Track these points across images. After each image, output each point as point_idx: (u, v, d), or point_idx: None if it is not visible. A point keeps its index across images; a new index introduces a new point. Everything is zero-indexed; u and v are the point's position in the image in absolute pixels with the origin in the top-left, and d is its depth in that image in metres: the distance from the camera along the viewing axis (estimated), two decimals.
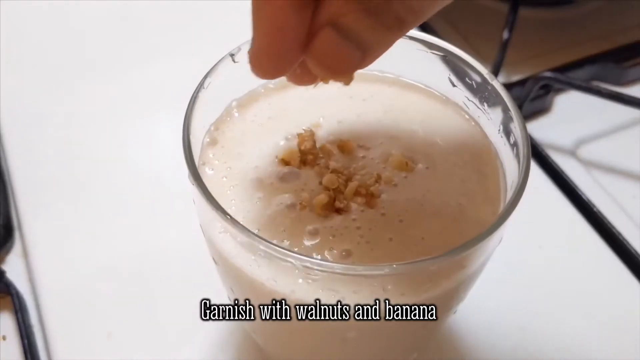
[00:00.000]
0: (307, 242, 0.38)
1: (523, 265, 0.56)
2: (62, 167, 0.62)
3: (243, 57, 0.43)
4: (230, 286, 0.41)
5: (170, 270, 0.55)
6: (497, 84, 0.41)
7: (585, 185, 0.63)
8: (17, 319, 0.53)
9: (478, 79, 0.43)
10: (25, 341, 0.52)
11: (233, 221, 0.34)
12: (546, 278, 0.55)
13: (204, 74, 0.41)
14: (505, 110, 0.41)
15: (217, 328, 0.52)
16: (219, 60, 0.42)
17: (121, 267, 0.55)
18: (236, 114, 0.45)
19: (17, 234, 0.58)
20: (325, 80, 0.36)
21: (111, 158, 0.63)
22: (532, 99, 0.68)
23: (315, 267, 0.33)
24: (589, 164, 0.66)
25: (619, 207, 0.61)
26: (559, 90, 0.71)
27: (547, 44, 0.77)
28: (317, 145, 0.42)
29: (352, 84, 0.45)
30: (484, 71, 0.42)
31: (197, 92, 0.40)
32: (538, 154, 0.65)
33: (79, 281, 0.54)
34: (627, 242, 0.57)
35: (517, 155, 0.39)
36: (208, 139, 0.43)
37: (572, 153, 0.67)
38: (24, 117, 0.67)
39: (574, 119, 0.70)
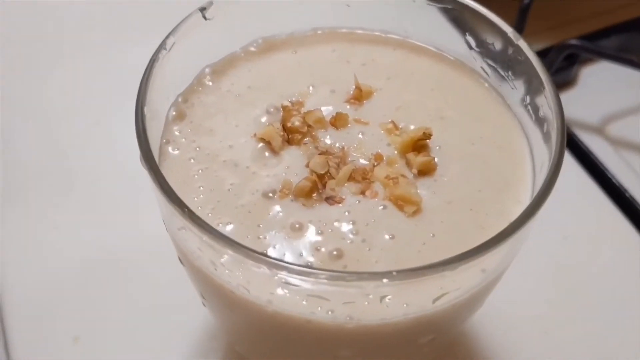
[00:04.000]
0: (288, 240, 0.31)
1: (545, 260, 0.48)
2: (39, 160, 0.54)
3: (218, 13, 0.36)
4: (200, 291, 0.34)
5: (146, 269, 0.47)
6: (523, 44, 0.34)
7: (615, 167, 0.56)
8: None
9: (500, 40, 0.35)
10: None
11: (192, 216, 0.27)
12: (571, 274, 0.48)
13: None
14: (533, 78, 0.33)
15: (197, 333, 0.45)
16: (186, 17, 0.35)
17: (94, 265, 0.48)
18: (209, 83, 0.37)
19: None
20: None
21: (86, 148, 0.55)
22: (555, 70, 0.60)
23: (294, 276, 0.26)
24: (618, 143, 0.59)
25: None
26: (585, 61, 0.63)
27: (571, 11, 0.69)
28: (306, 120, 0.35)
29: (349, 45, 0.38)
30: (508, 29, 0.34)
31: (156, 54, 0.33)
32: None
33: (46, 278, 0.47)
34: None
35: (548, 134, 0.32)
36: (174, 112, 0.36)
37: (599, 131, 0.60)
38: None
39: (601, 92, 0.63)
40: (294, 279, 0.26)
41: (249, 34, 0.39)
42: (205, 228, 0.27)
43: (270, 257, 0.27)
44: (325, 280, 0.26)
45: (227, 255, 0.27)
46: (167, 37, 0.34)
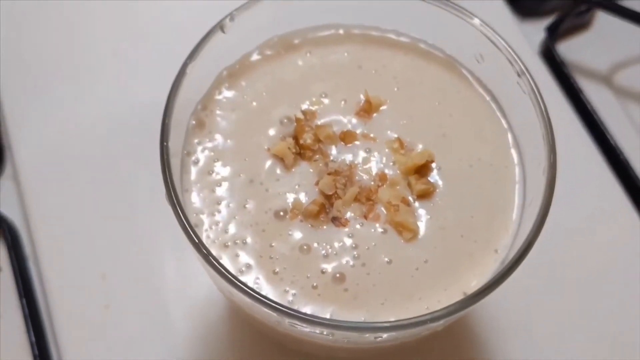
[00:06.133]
0: (297, 261, 0.35)
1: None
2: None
3: (234, 25, 0.37)
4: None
5: None
6: (527, 79, 0.35)
7: (615, 126, 0.57)
8: (10, 254, 0.51)
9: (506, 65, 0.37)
10: (19, 275, 0.51)
11: (209, 259, 0.31)
12: (560, 234, 0.49)
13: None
14: (531, 113, 0.35)
15: None
16: (205, 38, 0.36)
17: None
18: (226, 88, 0.39)
19: (7, 155, 0.55)
20: None
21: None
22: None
23: (296, 324, 0.30)
24: (623, 93, 0.60)
25: None
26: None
27: None
28: (317, 134, 0.37)
29: (362, 48, 0.40)
30: (517, 61, 0.36)
31: (179, 82, 0.35)
32: (569, 85, 0.58)
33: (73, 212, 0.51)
34: None
35: (547, 178, 0.34)
36: (194, 122, 0.38)
37: (606, 79, 0.61)
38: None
39: (614, 39, 0.62)
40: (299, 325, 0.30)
41: (264, 31, 0.40)
42: (219, 274, 0.31)
43: (273, 303, 0.30)
44: (318, 330, 0.30)
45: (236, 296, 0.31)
46: (188, 62, 0.35)
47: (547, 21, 0.61)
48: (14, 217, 0.52)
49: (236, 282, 0.30)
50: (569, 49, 0.62)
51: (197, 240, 0.31)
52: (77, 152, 0.53)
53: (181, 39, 0.38)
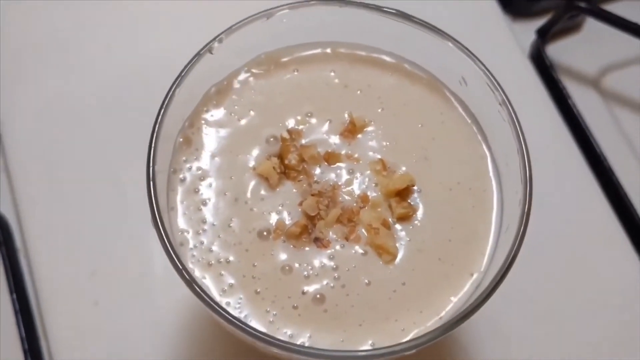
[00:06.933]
0: (279, 282, 0.36)
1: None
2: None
3: (222, 46, 0.37)
4: None
5: None
6: (507, 109, 0.36)
7: (601, 131, 0.58)
8: (1, 249, 0.52)
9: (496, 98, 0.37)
10: (9, 269, 0.51)
11: (189, 283, 0.32)
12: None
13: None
14: (512, 141, 0.36)
15: None
16: (193, 61, 0.36)
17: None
18: (214, 105, 0.40)
19: None
20: None
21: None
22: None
23: (274, 350, 0.32)
24: (610, 97, 0.60)
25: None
26: None
27: None
28: (302, 154, 0.38)
29: (349, 67, 0.40)
30: (498, 91, 0.36)
31: (165, 109, 0.35)
32: (557, 89, 0.59)
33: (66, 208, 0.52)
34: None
35: (522, 210, 0.35)
36: (181, 139, 0.39)
37: (594, 83, 0.61)
38: None
39: (604, 42, 0.62)
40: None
41: (252, 49, 0.40)
42: (202, 301, 0.32)
43: (254, 331, 0.32)
44: (304, 357, 0.31)
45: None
46: (175, 86, 0.36)
47: (538, 21, 0.61)
48: (6, 211, 0.53)
49: (216, 307, 0.32)
50: (558, 51, 0.62)
51: (180, 267, 0.32)
52: (69, 148, 0.53)
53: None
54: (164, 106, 0.35)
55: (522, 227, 0.33)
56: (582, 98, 0.59)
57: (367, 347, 0.35)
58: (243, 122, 0.40)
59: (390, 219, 0.37)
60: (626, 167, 0.56)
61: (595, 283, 0.50)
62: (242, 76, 0.41)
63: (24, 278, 0.51)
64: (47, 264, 0.50)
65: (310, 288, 0.36)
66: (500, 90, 0.36)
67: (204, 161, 0.39)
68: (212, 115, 0.40)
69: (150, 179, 0.34)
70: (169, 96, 0.36)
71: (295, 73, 0.41)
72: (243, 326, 0.31)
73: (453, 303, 0.36)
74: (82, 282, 0.49)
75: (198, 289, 0.32)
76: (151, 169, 0.34)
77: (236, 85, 0.40)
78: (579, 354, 0.47)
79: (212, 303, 0.32)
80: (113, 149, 0.52)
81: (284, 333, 0.35)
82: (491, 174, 0.39)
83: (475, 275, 0.37)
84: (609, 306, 0.49)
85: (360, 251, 0.37)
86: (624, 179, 0.54)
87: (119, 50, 0.56)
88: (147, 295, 0.48)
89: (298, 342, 0.35)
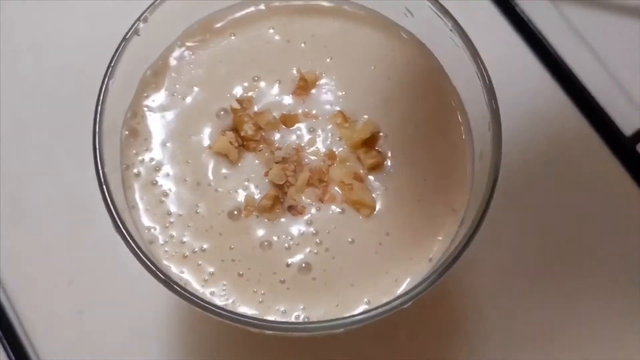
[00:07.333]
0: (260, 259, 0.34)
1: None
2: None
3: (148, 25, 0.35)
4: None
5: None
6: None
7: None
8: None
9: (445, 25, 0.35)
10: None
11: (166, 283, 0.30)
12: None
13: None
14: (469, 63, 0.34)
15: None
16: (123, 46, 0.34)
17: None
18: (153, 89, 0.37)
19: None
20: None
21: None
22: None
23: (267, 332, 0.30)
24: None
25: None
26: None
27: None
28: (257, 122, 0.36)
29: (287, 20, 0.38)
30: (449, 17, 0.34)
31: (103, 99, 0.33)
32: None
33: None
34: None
35: (492, 133, 0.33)
36: (127, 132, 0.36)
37: None
38: None
39: None
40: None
41: (182, 21, 0.38)
42: (178, 294, 0.30)
43: (234, 314, 0.30)
44: (301, 333, 0.30)
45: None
46: (107, 77, 0.33)
47: None
48: None
49: (200, 302, 0.30)
50: None
51: (154, 268, 0.30)
52: (40, 146, 0.50)
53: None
54: (100, 102, 0.33)
55: (496, 150, 0.32)
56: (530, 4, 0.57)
57: (362, 306, 0.34)
58: (188, 100, 0.37)
59: (361, 171, 0.36)
60: (586, 65, 0.55)
61: (573, 178, 0.49)
62: (177, 52, 0.38)
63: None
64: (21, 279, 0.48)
65: (294, 259, 0.34)
66: (448, 15, 0.34)
67: (156, 150, 0.36)
68: (153, 100, 0.37)
69: (102, 182, 0.32)
70: (102, 90, 0.33)
71: (233, 37, 0.38)
72: (232, 315, 0.30)
73: (440, 242, 0.35)
74: (61, 292, 0.47)
75: (179, 288, 0.30)
76: (101, 171, 0.32)
77: (173, 62, 0.38)
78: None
79: (195, 299, 0.30)
80: (63, 153, 0.49)
81: (276, 310, 0.34)
82: (453, 102, 0.37)
83: (457, 211, 0.35)
84: (587, 197, 0.48)
85: (338, 210, 0.35)
86: (586, 80, 0.53)
87: (45, 49, 0.52)
88: (133, 300, 0.46)
89: (292, 316, 0.34)
